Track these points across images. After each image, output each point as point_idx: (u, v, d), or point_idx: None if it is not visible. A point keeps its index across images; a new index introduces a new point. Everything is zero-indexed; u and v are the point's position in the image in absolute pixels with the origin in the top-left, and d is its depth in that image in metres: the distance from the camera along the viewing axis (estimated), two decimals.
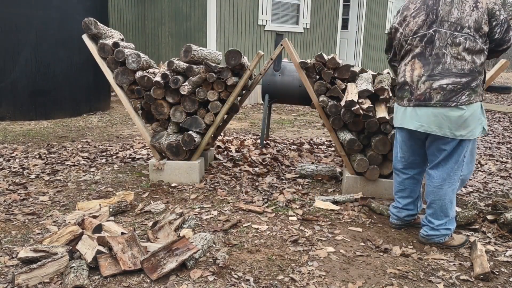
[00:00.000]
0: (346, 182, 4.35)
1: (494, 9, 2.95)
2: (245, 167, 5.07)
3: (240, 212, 3.83)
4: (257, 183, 4.59)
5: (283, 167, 5.24)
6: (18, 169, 4.86)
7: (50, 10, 7.61)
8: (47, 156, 5.42)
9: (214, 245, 3.17)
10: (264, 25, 10.35)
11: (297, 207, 3.98)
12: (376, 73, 4.44)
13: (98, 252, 2.82)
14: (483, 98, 3.43)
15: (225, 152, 5.75)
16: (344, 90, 4.25)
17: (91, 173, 4.81)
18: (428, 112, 3.08)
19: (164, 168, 4.49)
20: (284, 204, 4.03)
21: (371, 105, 3.98)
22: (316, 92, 4.28)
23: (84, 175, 4.71)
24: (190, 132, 4.39)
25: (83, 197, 4.08)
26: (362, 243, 3.38)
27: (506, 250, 3.33)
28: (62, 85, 7.94)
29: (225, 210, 3.84)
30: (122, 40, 4.71)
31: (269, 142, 6.39)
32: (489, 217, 3.75)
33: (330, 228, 3.60)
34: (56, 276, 2.70)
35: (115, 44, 4.35)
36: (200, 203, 4.01)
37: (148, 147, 5.91)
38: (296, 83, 5.72)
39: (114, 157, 5.49)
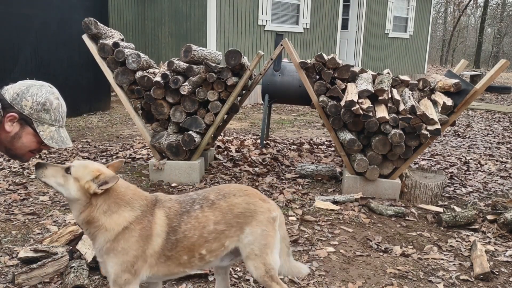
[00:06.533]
0: (346, 182, 4.35)
1: None
2: (245, 167, 5.07)
3: None
4: (257, 183, 4.59)
5: (283, 167, 5.24)
6: (18, 169, 4.86)
7: (50, 10, 7.60)
8: (47, 156, 5.42)
9: None
10: (264, 25, 10.35)
11: (297, 207, 3.98)
12: (376, 73, 4.44)
13: None
14: None
15: (225, 152, 5.75)
16: (344, 90, 4.25)
17: None
18: None
19: (164, 168, 4.49)
20: (284, 204, 4.03)
21: (371, 105, 3.98)
22: (316, 92, 4.28)
23: None
24: (190, 132, 4.39)
25: None
26: (362, 243, 3.38)
27: (506, 250, 3.33)
28: (62, 85, 7.87)
29: None
30: (122, 40, 4.71)
31: (269, 142, 6.39)
32: (489, 217, 3.75)
33: (330, 228, 3.60)
34: (56, 276, 2.70)
35: (115, 44, 4.35)
36: None
37: (148, 147, 5.91)
38: (296, 83, 5.72)
39: (114, 157, 5.48)
